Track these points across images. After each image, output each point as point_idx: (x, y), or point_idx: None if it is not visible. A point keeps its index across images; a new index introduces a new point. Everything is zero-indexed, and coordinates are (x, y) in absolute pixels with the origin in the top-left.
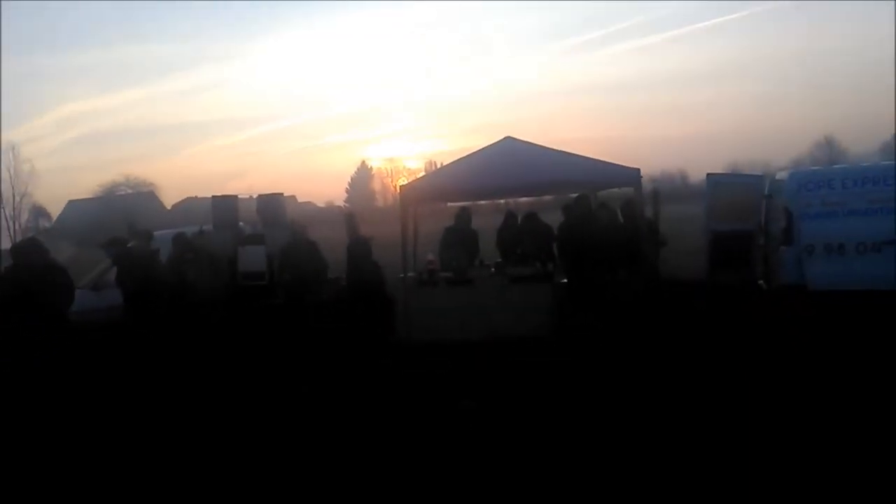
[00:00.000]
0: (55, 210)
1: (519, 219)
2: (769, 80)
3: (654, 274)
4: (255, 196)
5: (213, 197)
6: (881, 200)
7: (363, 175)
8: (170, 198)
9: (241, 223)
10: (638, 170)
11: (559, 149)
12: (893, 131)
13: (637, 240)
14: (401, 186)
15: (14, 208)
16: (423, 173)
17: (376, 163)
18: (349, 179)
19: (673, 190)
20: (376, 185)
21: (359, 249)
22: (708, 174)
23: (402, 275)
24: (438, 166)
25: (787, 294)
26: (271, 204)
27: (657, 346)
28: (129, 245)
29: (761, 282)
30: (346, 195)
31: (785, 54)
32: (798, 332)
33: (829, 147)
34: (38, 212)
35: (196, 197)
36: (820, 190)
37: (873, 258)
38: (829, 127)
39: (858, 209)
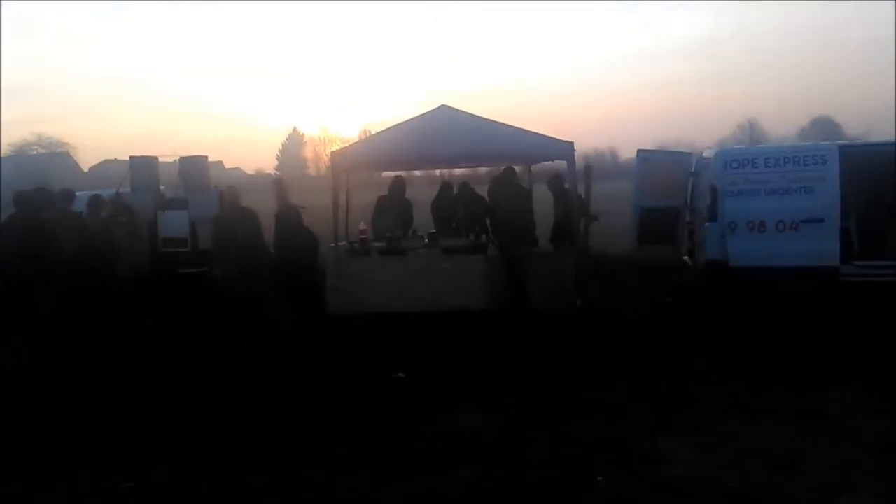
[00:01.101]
0: None
1: (454, 189)
2: (698, 62)
3: (584, 248)
4: (177, 159)
5: (132, 158)
6: (800, 180)
7: (295, 142)
8: (87, 160)
9: (162, 187)
10: (571, 143)
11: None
12: (811, 117)
13: (567, 214)
14: (332, 153)
15: None
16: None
17: (309, 130)
18: (280, 147)
19: (604, 167)
20: (308, 153)
21: (288, 217)
22: (638, 150)
23: (333, 244)
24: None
25: (709, 269)
26: (194, 167)
27: (584, 321)
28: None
29: (686, 257)
30: (276, 163)
31: (713, 38)
32: (717, 306)
33: (751, 129)
34: None
35: (115, 159)
36: (744, 168)
37: (791, 235)
38: (752, 111)
39: (779, 188)
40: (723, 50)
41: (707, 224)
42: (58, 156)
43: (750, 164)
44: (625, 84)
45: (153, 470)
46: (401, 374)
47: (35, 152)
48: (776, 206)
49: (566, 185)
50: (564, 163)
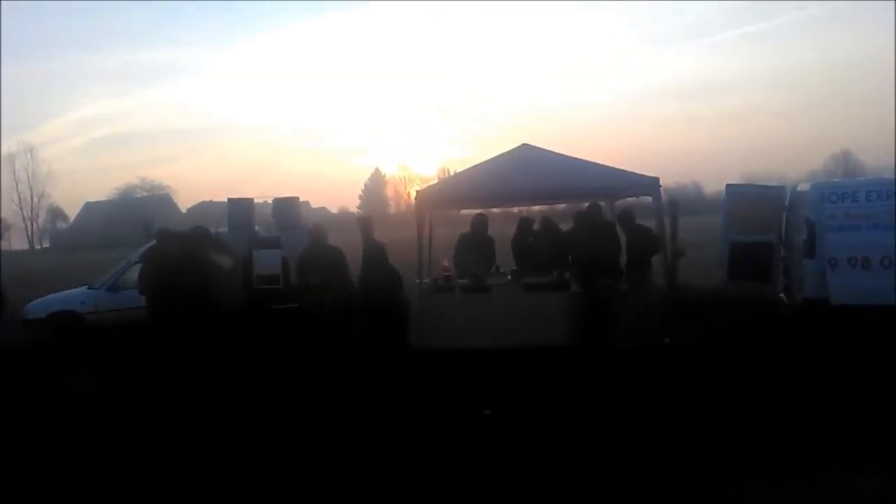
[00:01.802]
0: (72, 211)
1: (535, 225)
2: (785, 92)
3: (671, 284)
4: (270, 200)
5: (229, 199)
6: None
7: (376, 182)
8: (185, 201)
9: (255, 226)
10: (657, 178)
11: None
12: None
13: (645, 248)
14: (417, 192)
15: (32, 209)
16: (436, 181)
17: (390, 170)
18: (362, 186)
19: (687, 201)
20: (389, 192)
21: (375, 254)
22: (727, 184)
23: (417, 281)
24: (451, 174)
25: (809, 308)
26: (287, 207)
27: (671, 358)
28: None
29: (782, 294)
30: (359, 201)
31: (801, 67)
32: (818, 348)
33: (845, 161)
34: (56, 213)
35: (211, 201)
36: (843, 202)
37: None
38: (845, 141)
39: (883, 222)
40: (809, 78)
41: (804, 260)
42: (159, 198)
43: (850, 197)
44: (704, 114)
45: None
46: (488, 412)
47: (139, 195)
48: (881, 242)
49: (636, 221)
50: (646, 198)
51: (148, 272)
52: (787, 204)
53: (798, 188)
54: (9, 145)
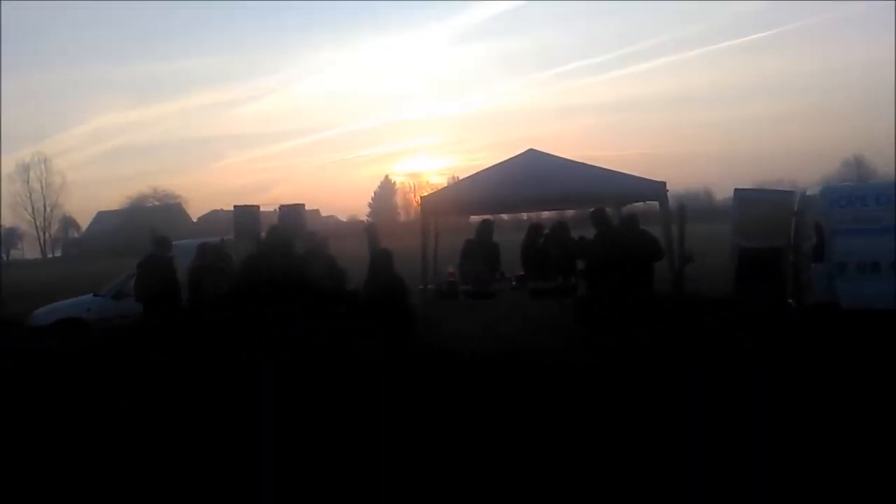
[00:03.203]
0: (85, 221)
1: (546, 230)
2: (795, 98)
3: (677, 289)
4: (277, 207)
5: (235, 207)
6: None
7: (386, 190)
8: (196, 210)
9: (262, 233)
10: (663, 183)
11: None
12: None
13: (645, 254)
14: (422, 198)
15: (45, 219)
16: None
17: (399, 178)
18: (372, 194)
19: (698, 208)
20: (399, 200)
21: (381, 261)
22: (736, 189)
23: (421, 287)
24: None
25: (817, 313)
26: (292, 215)
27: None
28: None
29: (791, 300)
30: (368, 209)
31: (812, 73)
32: (827, 353)
33: (857, 167)
34: (68, 223)
35: (221, 209)
36: (852, 206)
37: None
38: (857, 147)
39: (892, 226)
40: (822, 83)
41: (813, 265)
42: (170, 207)
43: (859, 201)
44: (719, 121)
45: None
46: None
47: (150, 205)
48: (890, 246)
49: (639, 227)
50: (653, 204)
51: (141, 280)
52: (796, 209)
53: (807, 193)
54: (23, 156)
